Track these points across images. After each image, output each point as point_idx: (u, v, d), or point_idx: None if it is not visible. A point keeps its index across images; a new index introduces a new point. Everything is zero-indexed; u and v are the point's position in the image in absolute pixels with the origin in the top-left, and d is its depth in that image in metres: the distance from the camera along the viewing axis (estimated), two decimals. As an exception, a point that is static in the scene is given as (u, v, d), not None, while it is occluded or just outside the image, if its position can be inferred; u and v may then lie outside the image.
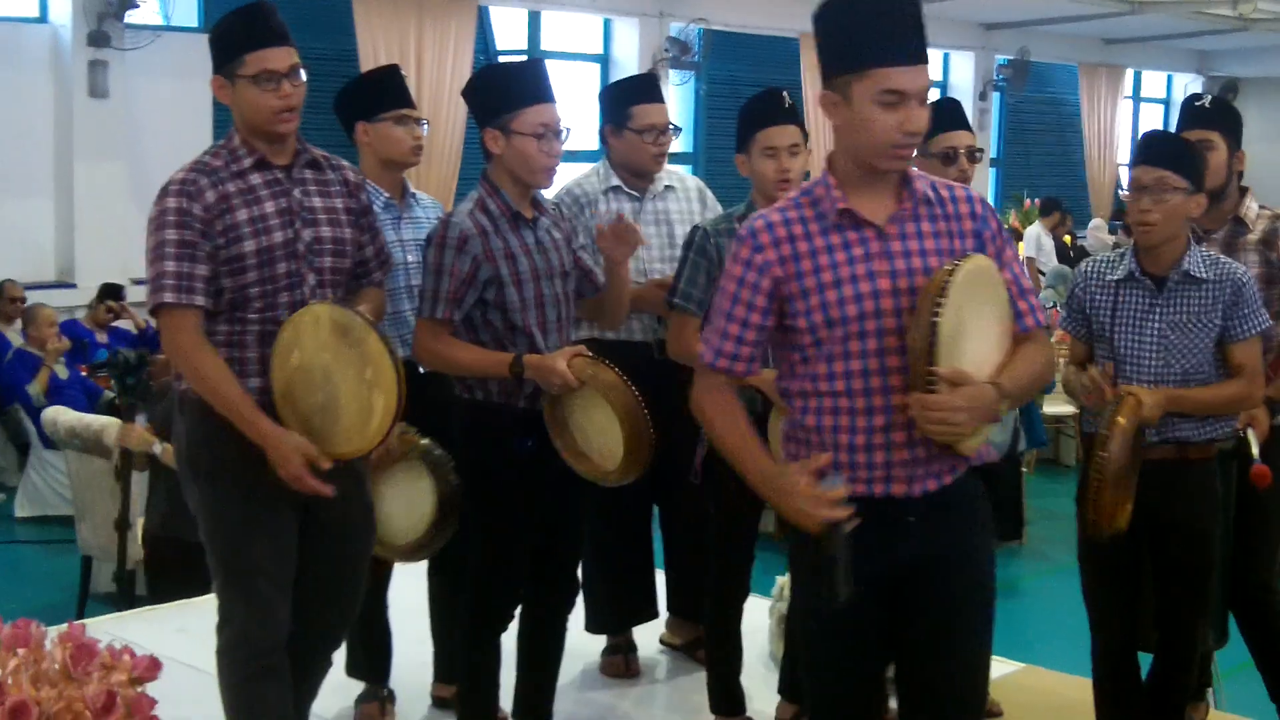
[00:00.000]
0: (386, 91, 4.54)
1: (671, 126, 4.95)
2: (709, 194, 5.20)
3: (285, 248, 3.70)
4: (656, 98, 4.96)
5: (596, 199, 4.96)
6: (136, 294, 10.79)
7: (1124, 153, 22.73)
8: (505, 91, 3.99)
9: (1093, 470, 3.89)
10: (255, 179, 3.71)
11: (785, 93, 4.40)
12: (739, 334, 3.11)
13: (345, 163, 3.96)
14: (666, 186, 5.06)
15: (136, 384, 5.82)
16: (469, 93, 4.10)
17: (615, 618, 5.20)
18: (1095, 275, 4.25)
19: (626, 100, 4.94)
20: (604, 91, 5.17)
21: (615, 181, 4.99)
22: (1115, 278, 4.19)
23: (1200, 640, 4.26)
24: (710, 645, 4.64)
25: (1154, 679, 4.31)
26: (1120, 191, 19.99)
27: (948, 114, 4.76)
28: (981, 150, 4.78)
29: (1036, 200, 17.68)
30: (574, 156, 14.41)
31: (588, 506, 4.32)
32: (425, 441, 4.25)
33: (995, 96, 19.23)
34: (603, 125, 5.03)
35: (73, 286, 11.21)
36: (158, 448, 5.83)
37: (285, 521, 3.77)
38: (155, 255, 3.61)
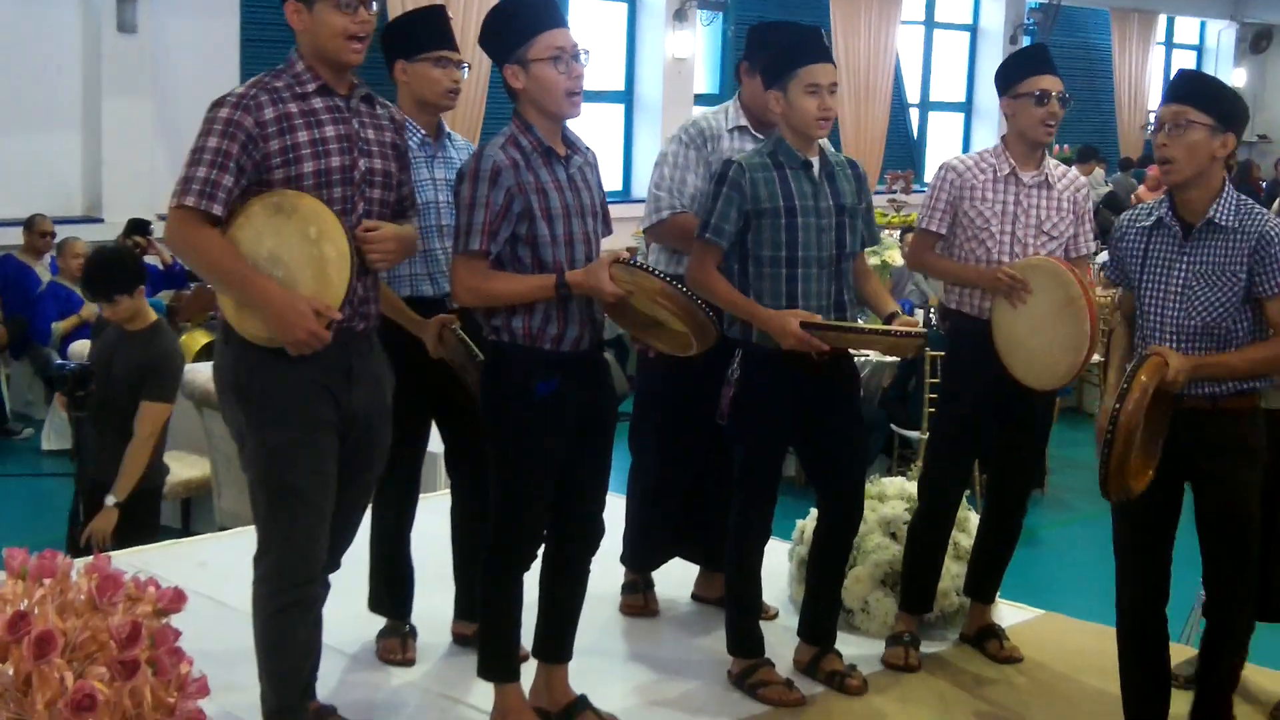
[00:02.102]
0: (428, 32, 4.51)
1: None
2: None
3: (342, 173, 3.77)
4: None
5: (721, 135, 4.94)
6: (163, 230, 10.82)
7: (1155, 99, 22.55)
8: (515, 24, 3.97)
9: (1107, 425, 3.79)
10: (318, 103, 3.77)
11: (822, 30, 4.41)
12: None
13: (389, 102, 4.04)
14: None
15: (85, 396, 5.92)
16: (483, 38, 4.08)
17: (648, 556, 5.24)
18: (1130, 222, 4.19)
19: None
20: (750, 30, 5.11)
21: (742, 122, 4.95)
22: (1147, 224, 4.11)
23: (1247, 599, 4.13)
24: (730, 586, 4.66)
25: (1205, 638, 4.25)
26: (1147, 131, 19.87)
27: (1038, 57, 4.80)
28: (1071, 97, 4.78)
29: (1065, 146, 17.57)
30: (600, 97, 14.43)
31: (613, 450, 4.34)
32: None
33: (1025, 40, 19.08)
34: (739, 62, 5.00)
35: (100, 221, 11.24)
36: (110, 500, 5.93)
37: (330, 450, 3.82)
38: (192, 159, 3.66)
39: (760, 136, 4.92)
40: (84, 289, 6.25)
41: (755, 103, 4.91)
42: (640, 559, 5.24)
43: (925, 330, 4.44)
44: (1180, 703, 4.28)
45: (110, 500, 5.92)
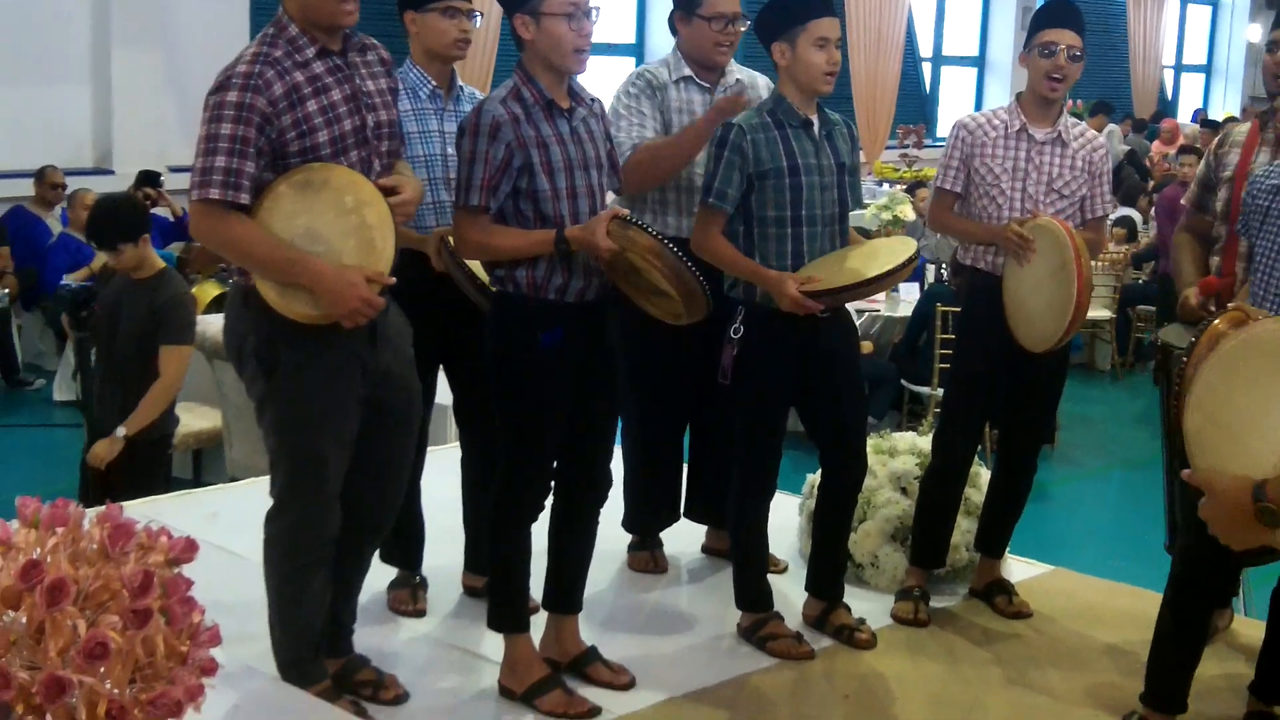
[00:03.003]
0: None
1: (743, 17, 4.88)
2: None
3: (355, 134, 3.72)
4: None
5: (666, 86, 4.89)
6: (173, 181, 10.83)
7: (1169, 54, 22.43)
8: None
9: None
10: (319, 67, 3.69)
11: None
12: None
13: (376, 41, 3.95)
14: (737, 80, 4.99)
15: (88, 316, 5.93)
16: None
17: (647, 520, 5.24)
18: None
19: None
20: None
21: (686, 72, 4.91)
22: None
23: None
24: (735, 542, 4.68)
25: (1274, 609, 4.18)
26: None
27: (1056, 11, 4.76)
28: (1082, 52, 4.72)
29: (1078, 101, 17.49)
30: (611, 50, 14.36)
31: (619, 402, 4.33)
32: None
33: (1040, -6, 18.97)
34: (673, 11, 4.97)
35: (110, 173, 11.23)
36: (120, 431, 5.92)
37: (353, 417, 3.81)
38: (208, 147, 3.55)
39: (705, 84, 4.91)
40: (88, 238, 6.25)
41: (694, 50, 4.88)
42: (640, 523, 5.24)
43: (913, 247, 4.45)
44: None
45: (120, 431, 5.93)
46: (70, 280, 10.11)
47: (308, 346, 3.71)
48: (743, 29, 4.88)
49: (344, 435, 3.80)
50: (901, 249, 4.46)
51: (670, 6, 4.93)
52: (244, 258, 3.65)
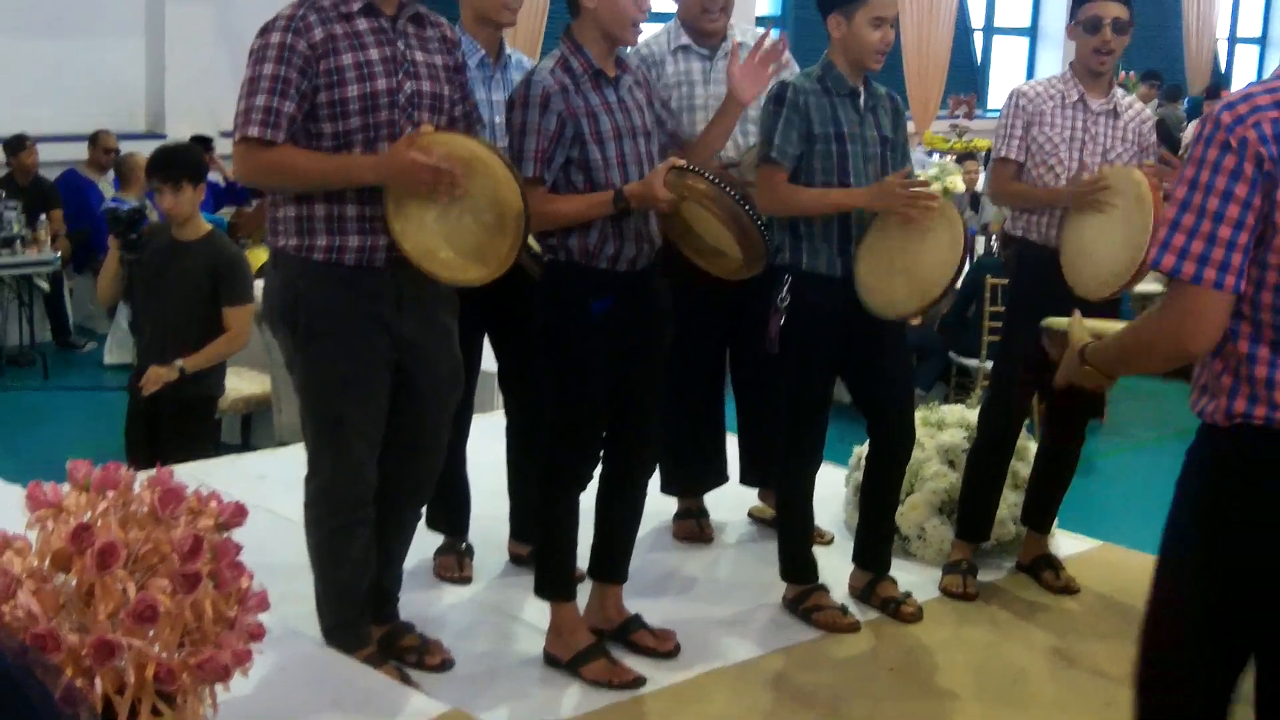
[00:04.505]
0: None
1: None
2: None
3: (388, 95, 3.72)
4: None
5: (664, 59, 4.87)
6: (226, 146, 10.83)
7: (1223, 26, 22.13)
8: None
9: None
10: (362, 24, 3.72)
11: None
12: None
13: (443, 19, 3.98)
14: (738, 44, 4.97)
15: (138, 239, 5.95)
16: None
17: (686, 480, 5.23)
18: None
19: None
20: None
21: (684, 40, 4.89)
22: None
23: None
24: (780, 513, 4.67)
25: None
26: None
27: None
28: (1128, 24, 4.65)
29: (1130, 73, 17.30)
30: (658, 17, 14.28)
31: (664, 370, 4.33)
32: None
33: (1095, -35, 18.72)
34: None
35: (163, 137, 11.26)
36: (179, 361, 5.93)
37: (380, 381, 3.82)
38: (250, 88, 3.63)
39: (704, 52, 4.88)
40: (150, 174, 6.18)
41: (686, 17, 4.88)
42: (676, 485, 5.22)
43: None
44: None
45: (178, 363, 5.95)
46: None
47: (331, 309, 3.74)
48: None
49: (370, 399, 3.81)
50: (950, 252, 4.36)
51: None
52: (299, 177, 3.70)
